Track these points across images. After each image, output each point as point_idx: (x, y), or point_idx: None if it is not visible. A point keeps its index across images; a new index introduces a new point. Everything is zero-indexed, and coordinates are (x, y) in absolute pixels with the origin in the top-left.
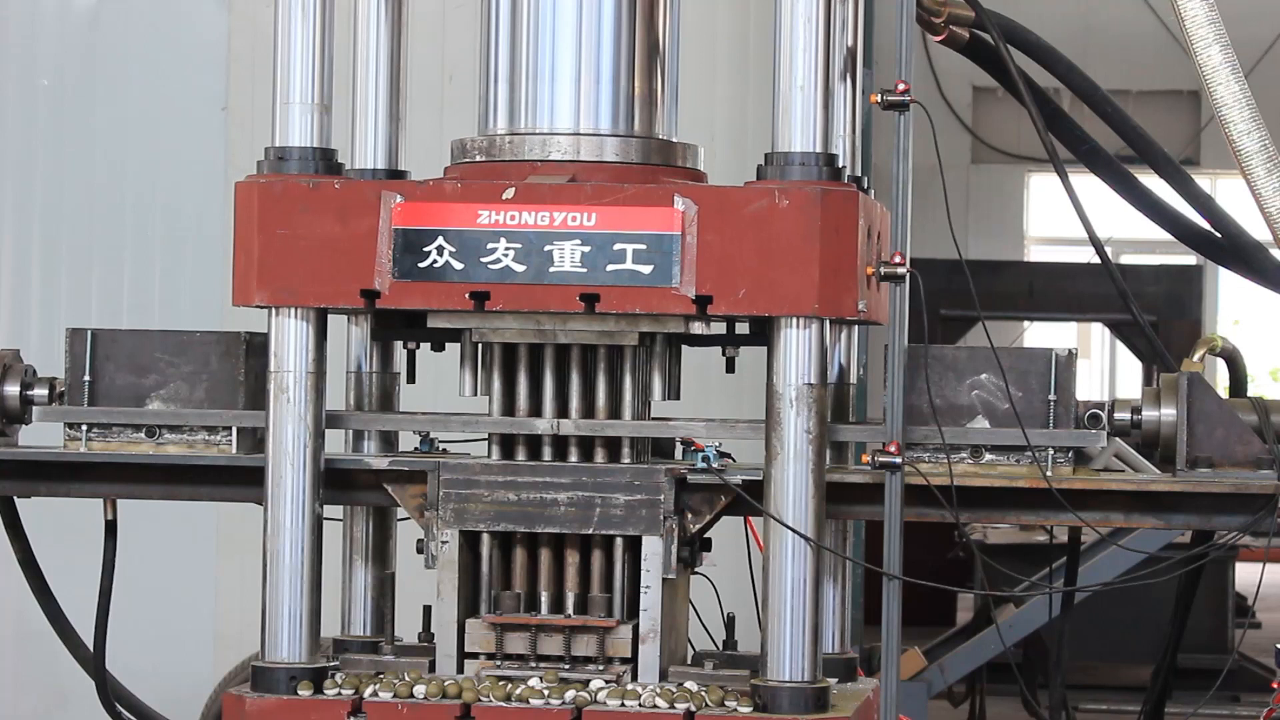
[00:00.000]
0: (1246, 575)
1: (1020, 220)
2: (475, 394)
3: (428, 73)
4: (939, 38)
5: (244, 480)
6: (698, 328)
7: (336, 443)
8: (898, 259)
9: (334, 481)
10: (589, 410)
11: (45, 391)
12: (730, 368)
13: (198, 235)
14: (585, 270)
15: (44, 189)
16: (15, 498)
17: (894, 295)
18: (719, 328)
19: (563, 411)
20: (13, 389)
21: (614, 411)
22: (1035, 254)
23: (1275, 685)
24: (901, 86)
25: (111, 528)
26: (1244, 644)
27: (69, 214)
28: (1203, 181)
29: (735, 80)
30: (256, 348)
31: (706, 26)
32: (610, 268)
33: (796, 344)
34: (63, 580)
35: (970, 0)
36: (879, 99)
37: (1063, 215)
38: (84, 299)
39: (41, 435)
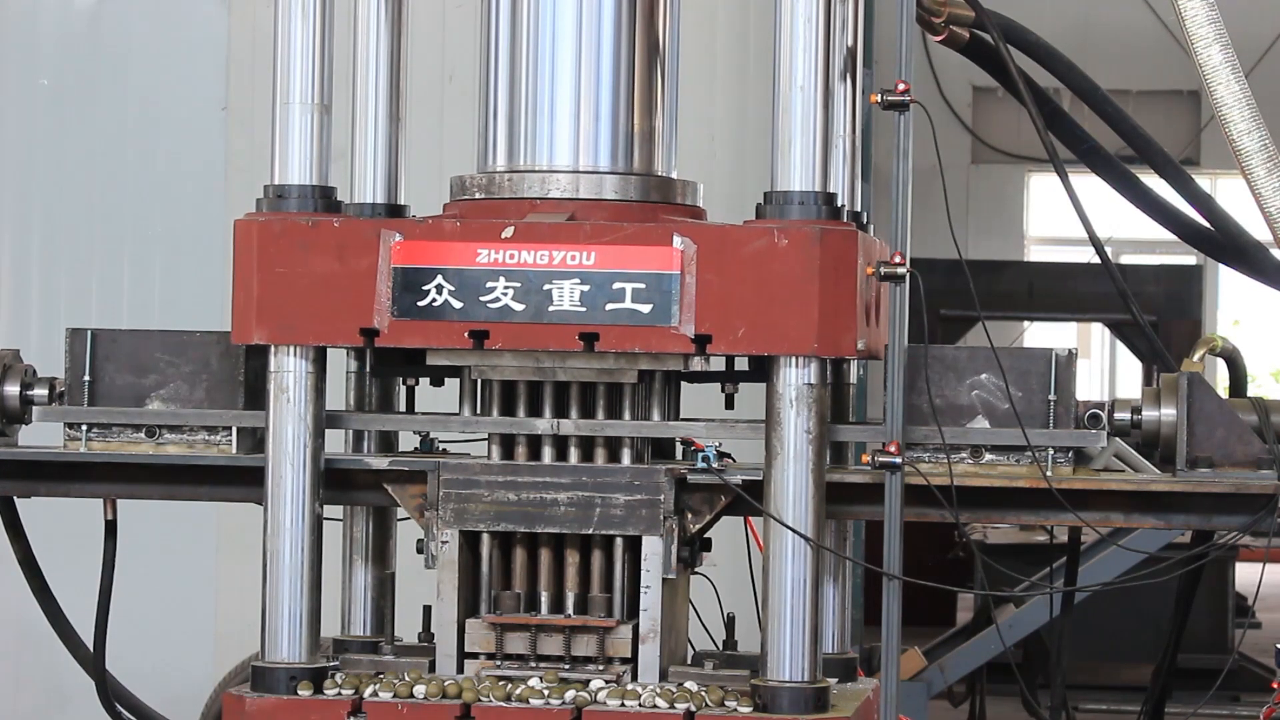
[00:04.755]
0: (1246, 575)
1: (1020, 220)
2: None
3: (428, 73)
4: (939, 38)
5: (244, 480)
6: (697, 365)
7: (336, 443)
8: (898, 259)
9: (334, 481)
10: (587, 447)
11: (45, 391)
12: (729, 404)
13: (198, 235)
14: (584, 309)
15: (44, 189)
16: (15, 498)
17: (894, 295)
18: (718, 363)
19: (560, 447)
20: (13, 389)
21: (612, 450)
22: (1035, 254)
23: (1275, 685)
24: (901, 86)
25: (111, 528)
26: (1244, 644)
27: (69, 214)
28: (1203, 181)
29: (735, 81)
30: (256, 348)
31: (706, 28)
32: (609, 307)
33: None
34: (63, 580)
35: (970, 0)
36: (879, 99)
37: (1063, 215)
38: (84, 299)
39: (41, 435)
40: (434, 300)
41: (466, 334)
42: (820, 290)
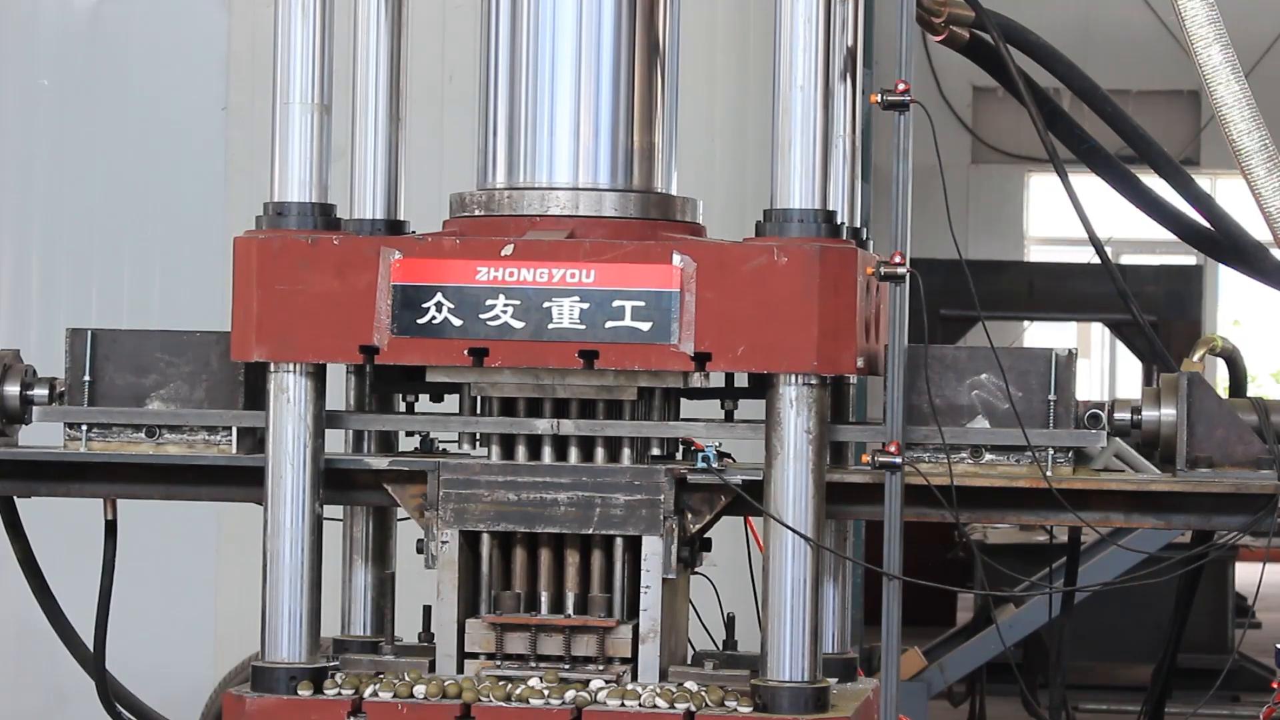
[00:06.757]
0: (1246, 575)
1: (1020, 220)
2: (475, 447)
3: (428, 73)
4: (939, 38)
5: (244, 480)
6: (696, 382)
7: (336, 443)
8: (898, 259)
9: (334, 481)
10: (587, 452)
11: (45, 391)
12: (729, 419)
13: (198, 235)
14: (584, 327)
15: (44, 189)
16: (15, 498)
17: (894, 295)
18: (718, 379)
19: (560, 451)
20: (13, 389)
21: (612, 455)
22: (1035, 254)
23: (1275, 685)
24: (901, 86)
25: (111, 528)
26: (1244, 644)
27: (69, 214)
28: (1203, 181)
29: (734, 83)
30: None
31: (706, 29)
32: (609, 324)
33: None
34: (63, 580)
35: (970, 0)
36: (879, 99)
37: (1063, 215)
38: (84, 299)
39: (41, 435)
40: (434, 318)
41: (466, 351)
42: (820, 308)
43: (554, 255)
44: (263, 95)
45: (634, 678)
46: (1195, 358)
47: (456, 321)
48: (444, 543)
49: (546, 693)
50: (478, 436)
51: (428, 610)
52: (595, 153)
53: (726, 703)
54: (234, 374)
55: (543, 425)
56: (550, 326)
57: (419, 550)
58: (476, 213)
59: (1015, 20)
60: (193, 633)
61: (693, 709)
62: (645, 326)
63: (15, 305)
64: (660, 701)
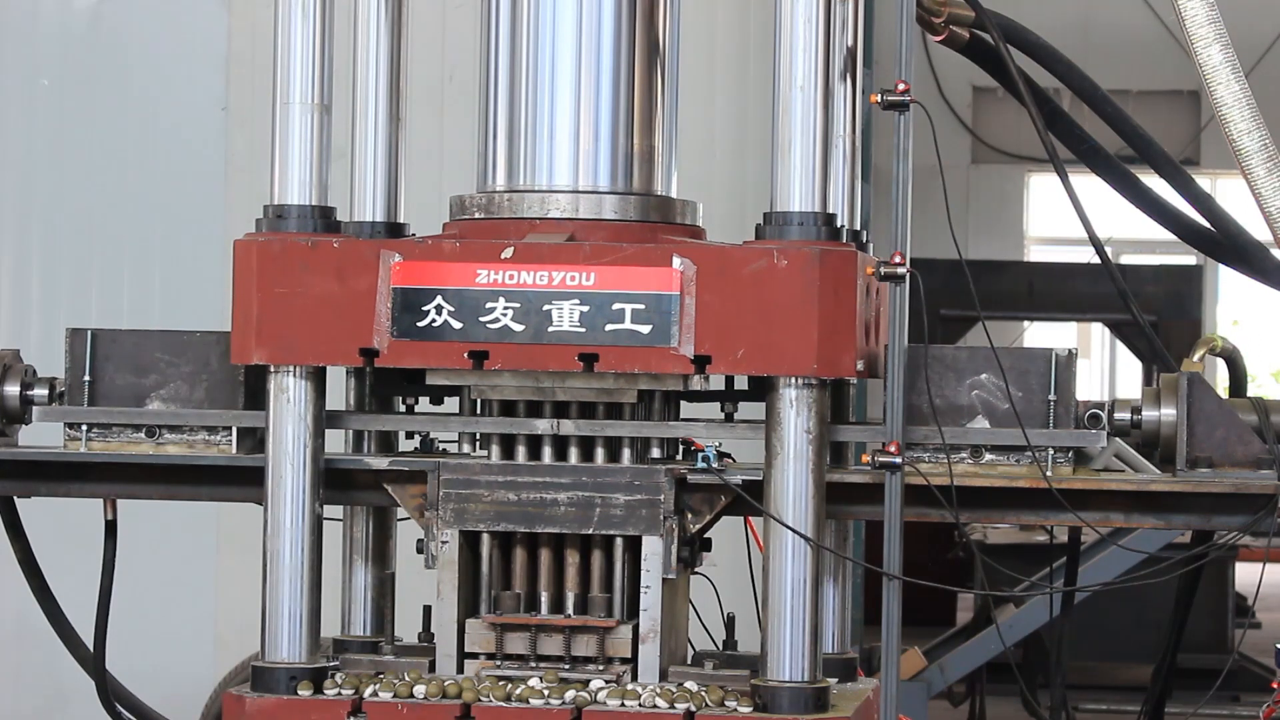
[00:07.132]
0: (1246, 575)
1: (1020, 220)
2: (474, 449)
3: (428, 73)
4: (939, 38)
5: (244, 480)
6: (696, 384)
7: (336, 443)
8: (898, 259)
9: (334, 481)
10: (587, 453)
11: (45, 391)
12: (729, 420)
13: (198, 235)
14: (584, 330)
15: (44, 189)
16: (15, 498)
17: (894, 295)
18: (717, 381)
19: (560, 453)
20: (13, 389)
21: (612, 458)
22: (1035, 254)
23: (1275, 685)
24: (901, 86)
25: (111, 528)
26: (1244, 644)
27: (69, 214)
28: (1203, 181)
29: (734, 83)
30: None
31: (705, 30)
32: (609, 327)
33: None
34: (63, 580)
35: (970, 0)
36: (879, 99)
37: (1063, 215)
38: (84, 299)
39: (41, 435)
40: (434, 321)
41: (466, 354)
42: (820, 311)
43: (554, 258)
44: (263, 95)
45: (634, 678)
46: (1195, 358)
47: (456, 324)
48: (444, 543)
49: (546, 693)
50: (477, 437)
51: (428, 610)
52: (595, 155)
53: (726, 703)
54: (234, 374)
55: (543, 425)
56: (550, 329)
57: (419, 550)
58: (476, 215)
59: (1015, 20)
60: (193, 633)
61: (693, 709)
62: (645, 329)
63: (15, 305)
64: (660, 701)
